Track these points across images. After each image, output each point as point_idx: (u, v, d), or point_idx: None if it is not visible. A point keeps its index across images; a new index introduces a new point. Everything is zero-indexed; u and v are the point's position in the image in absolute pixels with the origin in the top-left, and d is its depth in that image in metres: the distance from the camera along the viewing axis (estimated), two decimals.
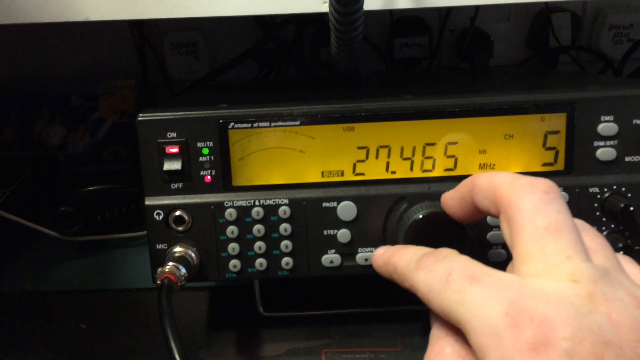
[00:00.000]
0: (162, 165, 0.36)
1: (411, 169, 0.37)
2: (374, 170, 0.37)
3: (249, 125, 0.36)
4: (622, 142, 0.36)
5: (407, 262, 0.29)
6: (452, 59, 0.73)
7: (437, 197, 0.36)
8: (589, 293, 0.22)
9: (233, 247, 0.37)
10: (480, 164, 0.37)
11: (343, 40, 0.37)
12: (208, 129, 0.36)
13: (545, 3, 0.68)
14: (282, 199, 0.37)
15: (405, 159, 0.37)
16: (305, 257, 0.37)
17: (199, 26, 0.71)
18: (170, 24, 0.70)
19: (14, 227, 0.51)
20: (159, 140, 0.36)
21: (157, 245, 0.37)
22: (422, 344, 0.38)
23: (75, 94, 0.70)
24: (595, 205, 0.37)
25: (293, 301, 0.43)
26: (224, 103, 0.38)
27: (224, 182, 0.37)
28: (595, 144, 0.36)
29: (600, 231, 0.36)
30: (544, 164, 0.37)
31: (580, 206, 0.36)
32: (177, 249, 0.36)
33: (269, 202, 0.37)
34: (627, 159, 0.36)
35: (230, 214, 0.37)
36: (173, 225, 0.37)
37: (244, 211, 0.37)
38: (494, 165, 0.37)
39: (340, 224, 0.37)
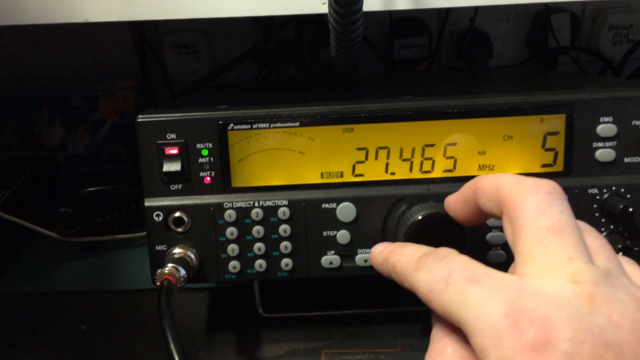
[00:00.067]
0: (161, 166, 0.36)
1: (410, 170, 0.37)
2: (373, 172, 0.37)
3: (249, 126, 0.36)
4: (621, 143, 0.36)
5: (406, 262, 0.29)
6: (451, 59, 0.73)
7: (436, 198, 0.36)
8: (590, 294, 0.22)
9: (232, 249, 0.37)
10: (479, 165, 0.37)
11: (342, 41, 0.37)
12: (207, 130, 0.36)
13: (545, 4, 0.68)
14: (281, 200, 0.37)
15: (404, 160, 0.37)
16: (305, 258, 0.37)
17: (199, 27, 0.71)
18: (170, 25, 0.70)
19: (13, 228, 0.51)
20: (158, 142, 0.36)
21: (156, 247, 0.37)
22: (422, 344, 0.38)
23: (75, 95, 0.70)
24: (595, 206, 0.37)
25: (293, 302, 0.43)
26: (223, 104, 0.38)
27: (224, 183, 0.37)
28: (595, 145, 0.36)
29: (600, 232, 0.36)
30: (543, 165, 0.37)
31: (580, 207, 0.36)
32: (177, 250, 0.36)
33: (268, 203, 0.37)
34: (627, 160, 0.36)
35: (229, 215, 0.37)
36: (172, 226, 0.37)
37: (243, 212, 0.37)
38: (493, 166, 0.37)
39: (340, 225, 0.37)
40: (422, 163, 0.37)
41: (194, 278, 0.37)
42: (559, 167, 0.37)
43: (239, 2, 0.38)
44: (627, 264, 0.26)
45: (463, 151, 0.37)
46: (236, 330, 0.41)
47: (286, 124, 0.36)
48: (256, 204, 0.37)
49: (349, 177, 0.37)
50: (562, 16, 0.70)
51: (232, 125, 0.36)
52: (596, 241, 0.26)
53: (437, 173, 0.37)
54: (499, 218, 0.27)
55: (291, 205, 0.37)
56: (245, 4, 0.38)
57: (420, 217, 0.34)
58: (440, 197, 0.35)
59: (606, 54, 0.71)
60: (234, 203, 0.37)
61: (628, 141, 0.36)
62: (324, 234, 0.37)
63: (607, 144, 0.36)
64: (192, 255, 0.36)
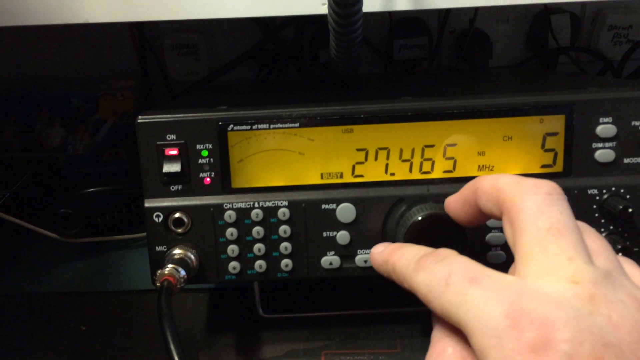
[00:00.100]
0: (161, 167, 0.36)
1: (410, 170, 0.37)
2: (373, 172, 0.37)
3: (248, 127, 0.36)
4: (620, 143, 0.36)
5: (406, 262, 0.29)
6: (451, 59, 0.73)
7: (436, 198, 0.36)
8: (590, 295, 0.22)
9: (232, 249, 0.37)
10: (479, 166, 0.37)
11: (342, 42, 0.37)
12: (207, 131, 0.36)
13: (545, 4, 0.68)
14: (281, 201, 0.37)
15: (404, 160, 0.37)
16: (305, 259, 0.37)
17: (199, 27, 0.71)
18: (170, 25, 0.70)
19: (13, 228, 0.51)
20: (158, 143, 0.36)
21: (156, 247, 0.37)
22: (422, 345, 0.38)
23: (75, 95, 0.70)
24: (594, 206, 0.37)
25: (293, 303, 0.43)
26: (223, 105, 0.38)
27: (223, 184, 0.37)
28: (594, 145, 0.36)
29: (599, 233, 0.36)
30: (543, 166, 0.37)
31: (579, 208, 0.36)
32: (177, 251, 0.36)
33: (268, 204, 0.37)
34: (626, 160, 0.36)
35: (229, 215, 0.37)
36: (172, 227, 0.37)
37: (243, 213, 0.37)
38: (493, 167, 0.37)
39: (340, 225, 0.37)
40: (421, 164, 0.37)
41: (194, 279, 0.37)
42: (559, 167, 0.37)
43: (238, 2, 0.38)
44: (627, 264, 0.26)
45: (463, 152, 0.37)
46: (236, 331, 0.41)
47: (286, 125, 0.36)
48: (256, 205, 0.37)
49: (348, 178, 0.37)
50: (562, 16, 0.70)
51: (232, 126, 0.36)
52: (596, 242, 0.26)
53: (436, 174, 0.37)
54: (499, 219, 0.27)
55: (291, 206, 0.37)
56: (245, 5, 0.38)
57: (420, 218, 0.34)
58: (440, 198, 0.35)
59: (606, 54, 0.71)
60: (233, 204, 0.37)
61: (628, 142, 0.36)
62: (324, 234, 0.37)
63: (607, 144, 0.36)
64: (192, 256, 0.36)
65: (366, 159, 0.37)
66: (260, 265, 0.37)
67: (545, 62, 0.72)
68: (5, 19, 0.38)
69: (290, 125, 0.36)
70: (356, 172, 0.37)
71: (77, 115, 0.70)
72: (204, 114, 0.36)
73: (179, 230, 0.37)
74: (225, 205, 0.37)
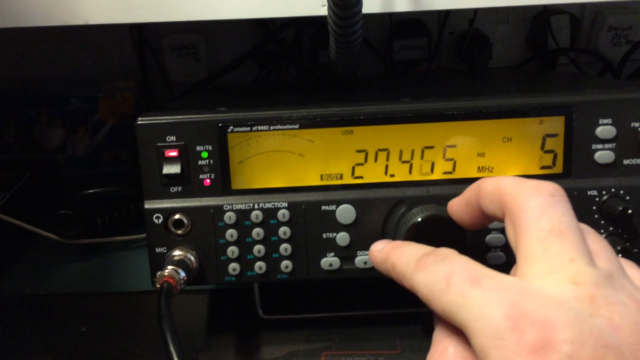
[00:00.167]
0: (161, 168, 0.36)
1: (410, 172, 0.37)
2: (372, 174, 0.37)
3: (248, 128, 0.36)
4: (620, 145, 0.36)
5: (406, 261, 0.29)
6: (451, 60, 0.73)
7: (436, 200, 0.36)
8: (591, 296, 0.22)
9: (232, 251, 0.37)
10: (478, 167, 0.37)
11: (342, 44, 0.37)
12: (207, 133, 0.36)
13: (544, 5, 0.68)
14: (281, 202, 0.37)
15: (404, 162, 0.37)
16: (305, 261, 0.37)
17: (199, 28, 0.71)
18: (169, 26, 0.70)
19: (13, 230, 0.51)
20: (158, 144, 0.36)
21: (156, 249, 0.37)
22: (422, 346, 0.38)
23: (75, 96, 0.70)
24: (594, 208, 0.37)
25: (293, 304, 0.43)
26: (223, 106, 0.38)
27: (223, 185, 0.37)
28: (594, 146, 0.36)
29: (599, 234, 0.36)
30: (543, 167, 0.37)
31: (579, 209, 0.36)
32: (177, 253, 0.36)
33: (268, 205, 0.37)
34: (626, 161, 0.36)
35: (229, 217, 0.37)
36: (172, 228, 0.37)
37: (243, 214, 0.37)
38: (493, 168, 0.37)
39: (339, 227, 0.37)
40: (421, 165, 0.37)
41: (194, 280, 0.37)
42: (558, 169, 0.37)
43: (238, 3, 0.38)
44: (628, 266, 0.26)
45: (462, 153, 0.37)
46: (236, 332, 0.41)
47: (286, 126, 0.36)
48: (256, 206, 0.37)
49: (348, 179, 0.37)
50: (562, 17, 0.70)
51: (231, 127, 0.36)
52: (597, 243, 0.26)
53: (436, 175, 0.37)
54: (502, 220, 0.28)
55: (291, 207, 0.37)
56: (245, 6, 0.38)
57: (419, 219, 0.34)
58: (440, 199, 0.35)
59: (605, 55, 0.72)
60: (233, 205, 0.37)
61: (627, 143, 0.36)
62: (324, 236, 0.37)
63: (606, 145, 0.36)
64: (192, 258, 0.36)
65: (366, 160, 0.37)
66: (260, 266, 0.37)
67: (544, 63, 0.72)
68: (6, 20, 0.38)
69: (290, 126, 0.36)
70: (356, 174, 0.37)
71: (76, 116, 0.70)
72: (203, 116, 0.36)
73: (179, 232, 0.37)
74: (225, 207, 0.37)
